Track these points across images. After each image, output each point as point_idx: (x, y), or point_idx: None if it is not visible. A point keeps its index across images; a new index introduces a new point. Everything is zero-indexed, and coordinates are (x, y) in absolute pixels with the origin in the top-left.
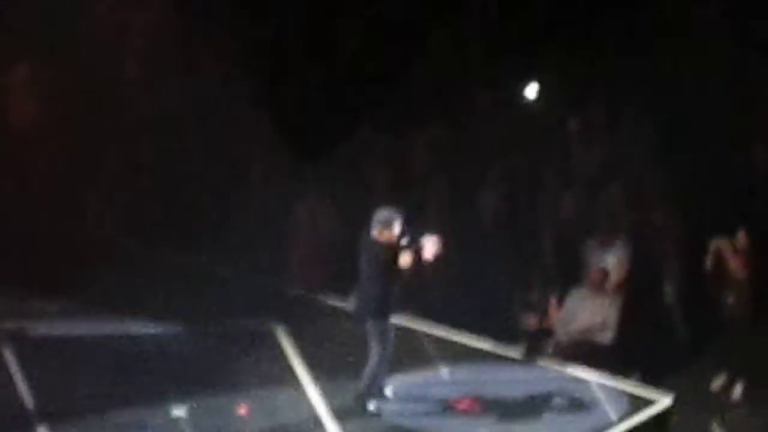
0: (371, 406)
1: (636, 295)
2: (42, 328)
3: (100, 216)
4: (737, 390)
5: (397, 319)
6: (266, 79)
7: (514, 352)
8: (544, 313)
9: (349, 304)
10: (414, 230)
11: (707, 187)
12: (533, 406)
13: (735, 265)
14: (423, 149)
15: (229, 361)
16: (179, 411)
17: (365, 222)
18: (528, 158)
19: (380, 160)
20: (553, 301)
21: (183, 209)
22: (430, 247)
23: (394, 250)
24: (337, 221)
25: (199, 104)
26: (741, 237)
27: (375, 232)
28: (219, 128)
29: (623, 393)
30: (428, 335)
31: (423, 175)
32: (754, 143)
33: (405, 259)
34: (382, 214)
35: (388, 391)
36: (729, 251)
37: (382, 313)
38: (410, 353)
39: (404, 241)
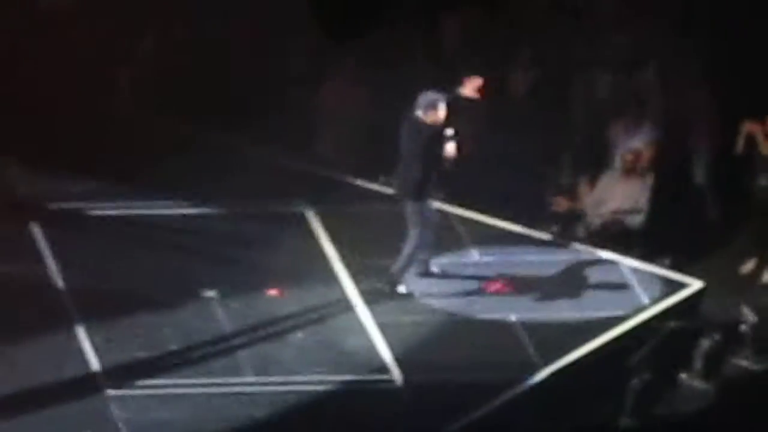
0: (401, 288)
1: (666, 178)
2: (72, 208)
3: (129, 96)
4: (767, 274)
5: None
6: None
7: (546, 234)
8: (575, 195)
9: (380, 186)
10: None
11: (739, 69)
12: (564, 288)
13: (766, 147)
14: (456, 32)
15: (260, 243)
16: (210, 292)
17: (397, 104)
18: (558, 40)
19: (413, 43)
20: (584, 183)
21: (213, 90)
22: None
23: (438, 132)
24: (368, 103)
25: None
26: None
27: (420, 113)
28: (250, 9)
29: (654, 276)
30: (460, 217)
31: (455, 58)
32: None
33: (450, 149)
34: (427, 96)
35: (435, 269)
36: (761, 134)
37: (421, 194)
38: (442, 235)
39: (449, 131)
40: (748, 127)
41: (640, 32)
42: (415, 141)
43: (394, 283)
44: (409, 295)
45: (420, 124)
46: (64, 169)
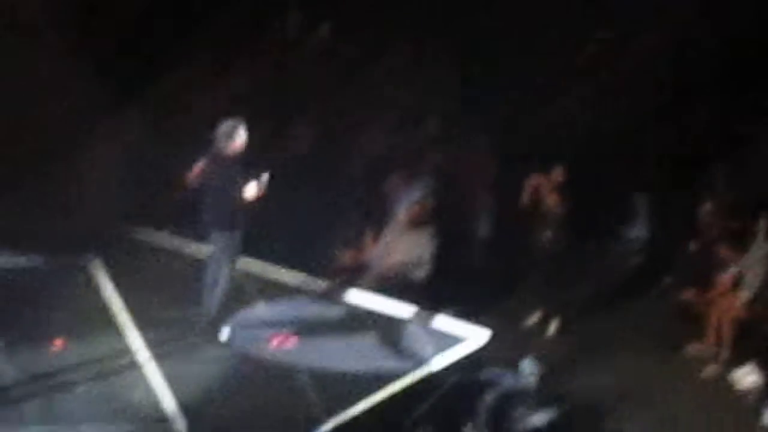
0: (224, 335)
1: (450, 231)
2: None
3: None
4: (552, 325)
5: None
6: None
7: (331, 287)
8: (361, 247)
9: (162, 239)
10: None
11: (521, 125)
12: (350, 339)
13: (552, 200)
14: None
15: (46, 294)
16: None
17: (175, 153)
18: (337, 98)
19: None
20: (369, 236)
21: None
22: (252, 188)
23: (239, 165)
24: (152, 151)
25: None
26: (557, 172)
27: (221, 145)
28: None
29: (439, 329)
30: (246, 270)
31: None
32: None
33: (251, 189)
34: (226, 124)
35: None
36: (546, 187)
37: (232, 224)
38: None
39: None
40: (534, 180)
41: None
42: (218, 176)
43: (217, 327)
44: (227, 344)
45: (221, 159)
46: None
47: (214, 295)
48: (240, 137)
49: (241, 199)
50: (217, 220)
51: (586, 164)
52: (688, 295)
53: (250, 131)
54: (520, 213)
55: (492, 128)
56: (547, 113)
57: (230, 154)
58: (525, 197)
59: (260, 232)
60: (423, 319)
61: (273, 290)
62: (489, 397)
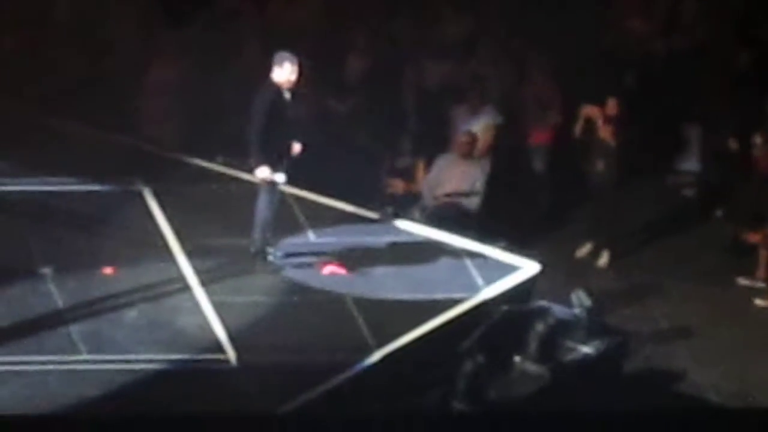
0: (270, 256)
1: (504, 161)
2: None
3: None
4: (602, 258)
5: None
6: None
7: (382, 215)
8: (411, 177)
9: (218, 166)
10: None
11: (579, 53)
12: (400, 269)
13: (604, 132)
14: (291, 17)
15: (96, 221)
16: (45, 269)
17: (227, 81)
18: (396, 22)
19: (245, 25)
20: (420, 165)
21: (51, 70)
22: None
23: (295, 95)
24: (201, 81)
25: None
26: (611, 104)
27: (275, 74)
28: None
29: (490, 259)
30: (296, 198)
31: (289, 37)
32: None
33: (303, 106)
34: (281, 55)
35: (271, 249)
36: (599, 119)
37: (279, 160)
38: (279, 216)
39: (301, 90)
40: (587, 111)
41: (479, 15)
42: (271, 105)
43: (264, 252)
44: (277, 264)
45: (275, 87)
46: None
47: (260, 226)
48: (293, 68)
49: (289, 131)
50: (267, 151)
51: (639, 96)
52: (740, 228)
53: (304, 62)
54: (573, 144)
55: (547, 57)
56: (601, 44)
57: (283, 85)
58: (578, 128)
59: (311, 161)
60: (474, 249)
61: (323, 219)
62: (539, 328)
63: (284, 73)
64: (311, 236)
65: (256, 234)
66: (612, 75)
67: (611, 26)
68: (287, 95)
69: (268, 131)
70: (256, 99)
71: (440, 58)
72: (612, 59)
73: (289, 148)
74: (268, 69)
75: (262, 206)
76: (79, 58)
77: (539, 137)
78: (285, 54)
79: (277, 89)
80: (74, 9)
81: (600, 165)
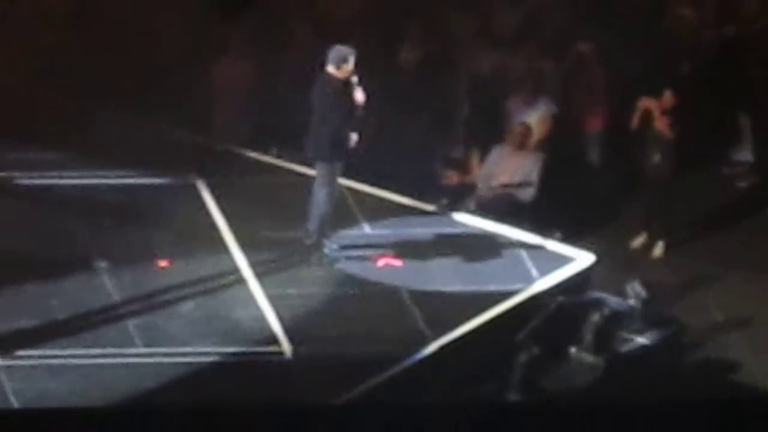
0: (326, 249)
1: (558, 152)
2: None
3: (16, 68)
4: (657, 249)
5: None
6: None
7: (437, 207)
8: (466, 168)
9: (271, 158)
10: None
11: (635, 47)
12: (455, 261)
13: (660, 124)
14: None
15: (150, 214)
16: (101, 262)
17: (285, 76)
18: (448, 13)
19: (299, 15)
20: (475, 156)
21: (105, 64)
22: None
23: (351, 86)
24: (256, 75)
25: None
26: (667, 97)
27: (332, 69)
28: None
29: (545, 250)
30: (351, 190)
31: (343, 31)
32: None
33: (359, 95)
34: (338, 50)
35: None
36: (655, 110)
37: (334, 153)
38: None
39: (354, 78)
40: (644, 103)
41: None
42: (327, 97)
43: (321, 245)
44: (334, 258)
45: (332, 80)
46: None
47: (317, 218)
48: (349, 63)
49: (346, 123)
50: (318, 149)
51: (693, 86)
52: None
53: (358, 55)
54: (629, 136)
55: (604, 50)
56: (658, 36)
57: (338, 79)
58: (635, 120)
59: (366, 153)
60: (529, 241)
61: (378, 211)
62: (594, 319)
63: (340, 66)
64: (366, 228)
65: (311, 226)
66: (666, 64)
67: (664, 13)
68: (342, 86)
69: (326, 122)
70: (314, 91)
71: (494, 47)
72: (666, 45)
73: (346, 138)
74: (321, 60)
75: (321, 199)
76: (133, 52)
77: (592, 123)
78: (341, 48)
79: (332, 81)
80: (130, 2)
81: (656, 157)
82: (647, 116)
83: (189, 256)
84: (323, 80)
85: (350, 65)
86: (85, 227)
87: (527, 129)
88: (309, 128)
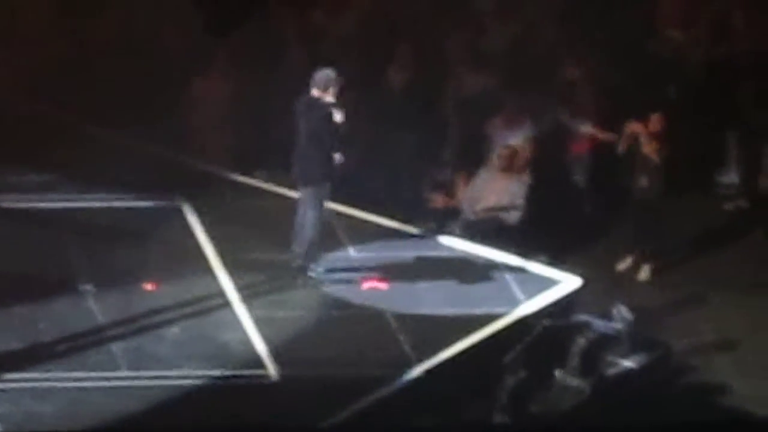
0: (312, 272)
1: (544, 175)
2: None
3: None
4: (643, 272)
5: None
6: None
7: (423, 230)
8: (452, 191)
9: (257, 181)
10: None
11: (621, 69)
12: (440, 284)
13: (648, 148)
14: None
15: (136, 236)
16: (86, 285)
17: (271, 96)
18: (436, 35)
19: (285, 37)
20: (461, 179)
21: (92, 85)
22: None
23: (332, 107)
24: (244, 98)
25: None
26: (654, 121)
27: (316, 92)
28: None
29: (531, 273)
30: (336, 213)
31: (331, 53)
32: (666, 28)
33: (339, 116)
34: (323, 73)
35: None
36: (643, 135)
37: (324, 176)
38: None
39: (331, 100)
40: (631, 127)
41: (521, 28)
42: (314, 120)
43: (305, 268)
44: (318, 280)
45: (317, 103)
46: None
47: (305, 241)
48: (334, 86)
49: (333, 146)
50: (305, 172)
51: (680, 107)
52: None
53: (344, 76)
54: (615, 158)
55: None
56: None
57: (324, 102)
58: (622, 144)
59: (352, 175)
60: (515, 264)
61: (364, 234)
62: (581, 342)
63: (326, 89)
64: (352, 251)
65: (298, 248)
66: (653, 85)
67: (652, 36)
68: (328, 109)
69: (312, 146)
70: (295, 111)
71: (480, 69)
72: (653, 69)
73: (330, 159)
74: (308, 81)
75: (309, 222)
76: (120, 71)
77: (577, 147)
78: (326, 71)
79: (315, 103)
80: (117, 21)
81: (643, 180)
82: (634, 140)
83: (175, 279)
84: (308, 103)
85: (335, 88)
86: (70, 250)
87: (512, 152)
88: (295, 152)
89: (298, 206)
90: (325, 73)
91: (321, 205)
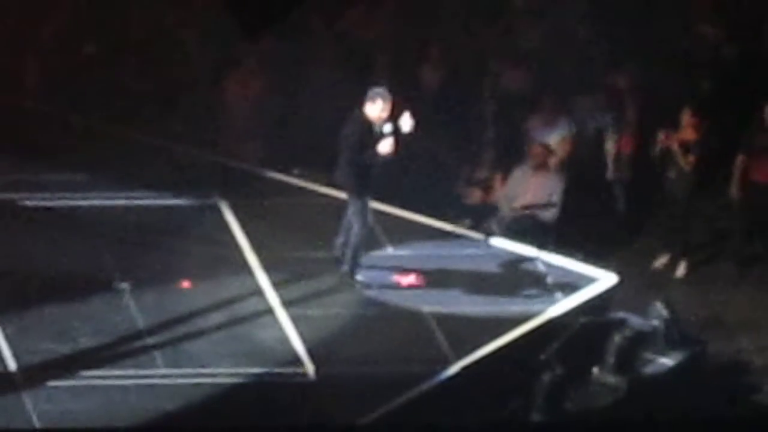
0: (359, 276)
1: (580, 173)
2: None
3: (38, 90)
4: (680, 269)
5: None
6: None
7: (459, 228)
8: (489, 189)
9: (294, 179)
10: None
11: (655, 66)
12: (477, 282)
13: (682, 161)
14: (366, 26)
15: (173, 234)
16: (123, 284)
17: (307, 94)
18: (471, 34)
19: (321, 35)
20: (497, 177)
21: (125, 82)
22: (406, 120)
23: (379, 127)
24: (277, 93)
25: None
26: (687, 117)
27: (366, 109)
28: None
29: (567, 270)
30: (374, 211)
31: (365, 51)
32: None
33: (386, 145)
34: (374, 90)
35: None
36: (675, 146)
37: (366, 185)
38: None
39: (388, 128)
40: (663, 141)
41: (557, 26)
42: (359, 136)
43: (352, 275)
44: (366, 284)
45: (366, 121)
46: None
47: (351, 247)
48: (385, 105)
49: (376, 158)
50: (352, 182)
51: (712, 102)
52: None
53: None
54: (651, 156)
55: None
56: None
57: (374, 120)
58: (654, 150)
59: (389, 175)
60: (551, 261)
61: (401, 232)
62: (617, 340)
63: (376, 109)
64: (390, 249)
65: (343, 249)
66: (687, 83)
67: (685, 32)
68: (377, 129)
69: (356, 161)
70: (344, 131)
71: (516, 66)
72: (687, 66)
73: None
74: (360, 101)
75: (355, 230)
76: (156, 73)
77: (619, 146)
78: (379, 90)
79: (366, 123)
80: (151, 22)
81: (676, 176)
82: (667, 151)
83: (212, 277)
84: (357, 120)
85: (386, 108)
86: (107, 248)
87: (546, 150)
88: (338, 161)
89: (348, 205)
90: (378, 92)
91: (365, 214)
